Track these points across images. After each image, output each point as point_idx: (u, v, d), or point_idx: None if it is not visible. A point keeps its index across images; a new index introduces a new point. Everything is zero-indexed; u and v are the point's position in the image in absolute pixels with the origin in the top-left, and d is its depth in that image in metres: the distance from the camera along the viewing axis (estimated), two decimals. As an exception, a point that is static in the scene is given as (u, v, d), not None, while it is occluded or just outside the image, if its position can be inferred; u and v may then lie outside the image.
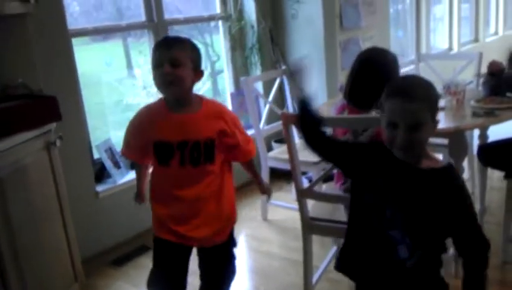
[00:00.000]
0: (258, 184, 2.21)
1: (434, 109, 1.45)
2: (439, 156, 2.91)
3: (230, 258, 2.09)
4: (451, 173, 1.47)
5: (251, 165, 2.14)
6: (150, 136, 1.87)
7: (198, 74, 1.87)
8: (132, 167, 3.03)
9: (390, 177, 1.48)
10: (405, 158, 1.45)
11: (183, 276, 2.02)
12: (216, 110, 1.91)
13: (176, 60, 1.77)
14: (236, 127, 1.96)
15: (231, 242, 2.08)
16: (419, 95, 1.40)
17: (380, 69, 2.19)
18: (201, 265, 2.08)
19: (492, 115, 2.52)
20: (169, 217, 1.93)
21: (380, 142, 1.49)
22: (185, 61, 1.79)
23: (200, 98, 1.92)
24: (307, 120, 1.69)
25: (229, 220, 2.03)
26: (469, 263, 1.47)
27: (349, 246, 1.61)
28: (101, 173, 3.18)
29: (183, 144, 1.84)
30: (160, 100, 1.91)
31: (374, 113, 2.16)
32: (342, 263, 1.62)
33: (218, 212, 1.96)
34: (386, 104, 1.44)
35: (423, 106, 1.39)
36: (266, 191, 2.24)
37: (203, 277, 2.09)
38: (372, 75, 2.18)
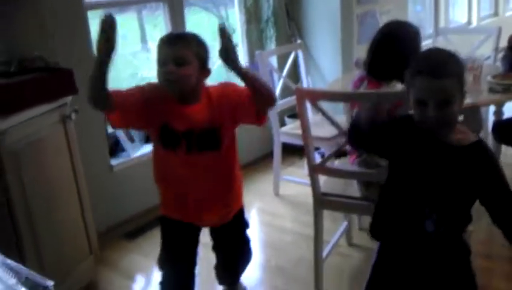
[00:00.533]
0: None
1: (462, 82, 1.42)
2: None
3: (244, 240, 2.12)
4: (481, 148, 1.45)
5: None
6: (156, 116, 1.83)
7: (204, 72, 1.83)
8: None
9: (420, 153, 1.48)
10: (436, 134, 1.44)
11: (193, 254, 2.03)
12: (218, 94, 1.88)
13: (180, 58, 1.74)
14: (238, 92, 1.88)
15: (242, 223, 2.10)
16: (447, 71, 1.37)
17: (402, 42, 2.16)
18: (214, 245, 2.12)
19: (509, 91, 2.49)
20: (176, 197, 1.96)
21: (409, 116, 1.47)
22: (190, 60, 1.75)
23: (206, 89, 1.89)
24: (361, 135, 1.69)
25: (235, 203, 2.05)
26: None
27: (380, 215, 1.63)
28: (115, 147, 3.21)
29: (189, 133, 1.84)
30: (162, 86, 1.85)
31: (396, 85, 2.15)
32: (373, 230, 1.65)
33: (224, 195, 1.99)
34: (414, 82, 1.42)
35: (452, 81, 1.37)
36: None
37: (217, 257, 2.15)
38: (394, 47, 2.16)
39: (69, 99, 2.35)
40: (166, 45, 1.78)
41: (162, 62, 1.76)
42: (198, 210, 1.96)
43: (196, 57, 1.77)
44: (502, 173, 1.44)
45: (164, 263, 2.03)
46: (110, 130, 3.18)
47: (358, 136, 1.71)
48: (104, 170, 3.06)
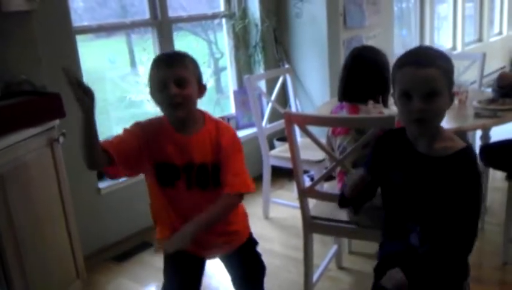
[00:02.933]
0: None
1: (450, 80, 1.36)
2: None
3: (254, 256, 1.99)
4: (466, 157, 1.37)
5: (222, 203, 1.74)
6: (151, 155, 1.72)
7: (201, 90, 1.75)
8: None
9: (403, 168, 1.45)
10: (420, 134, 1.38)
11: (196, 285, 1.88)
12: (217, 133, 1.76)
13: (181, 79, 1.65)
14: (233, 151, 1.77)
15: (251, 242, 1.99)
16: (431, 61, 1.32)
17: (373, 65, 2.23)
18: (228, 270, 2.00)
19: (495, 116, 2.53)
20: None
21: (392, 130, 1.46)
22: (190, 79, 1.67)
23: (203, 114, 1.79)
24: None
25: (239, 235, 1.93)
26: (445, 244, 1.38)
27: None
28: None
29: (189, 167, 1.72)
30: (161, 118, 1.76)
31: (370, 104, 2.20)
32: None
33: (228, 230, 1.87)
34: (397, 75, 1.37)
35: (437, 72, 1.31)
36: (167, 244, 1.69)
37: (233, 281, 2.01)
38: (366, 70, 2.23)
39: (56, 122, 2.34)
40: (163, 66, 1.67)
41: (162, 85, 1.65)
42: (197, 246, 1.79)
43: (194, 75, 1.70)
44: (477, 189, 1.38)
45: None
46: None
47: (347, 203, 1.71)
48: (91, 192, 3.03)
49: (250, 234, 1.99)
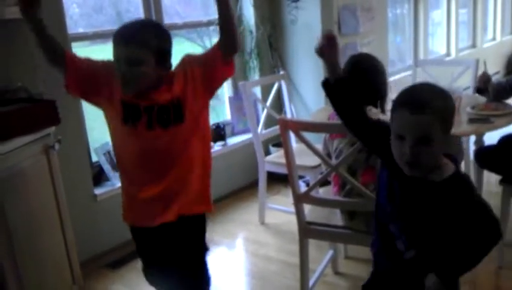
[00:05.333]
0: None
1: (447, 122, 1.34)
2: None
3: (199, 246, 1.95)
4: (459, 181, 1.38)
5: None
6: (116, 92, 1.75)
7: (164, 67, 1.73)
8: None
9: (399, 177, 1.43)
10: (413, 175, 1.37)
11: (170, 251, 1.89)
12: (179, 70, 1.80)
13: (133, 59, 1.64)
14: (197, 56, 1.83)
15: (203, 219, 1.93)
16: (427, 107, 1.29)
17: (372, 73, 2.26)
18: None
19: (488, 122, 2.55)
20: (128, 195, 1.88)
21: None
22: (144, 58, 1.65)
23: (172, 73, 1.80)
24: (341, 93, 1.64)
25: (201, 197, 1.88)
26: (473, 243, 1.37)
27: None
28: (99, 176, 3.19)
29: (150, 108, 1.74)
30: None
31: (369, 110, 2.20)
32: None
33: (188, 185, 1.83)
34: (394, 115, 1.36)
35: (433, 118, 1.29)
36: None
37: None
38: (366, 78, 2.25)
39: (52, 129, 2.35)
40: (119, 41, 1.67)
41: (115, 59, 1.69)
42: (149, 211, 1.83)
43: (152, 52, 1.67)
44: (482, 201, 1.39)
45: (147, 274, 1.99)
46: (94, 159, 3.17)
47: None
48: (87, 199, 3.03)
49: (203, 213, 1.91)
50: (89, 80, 1.79)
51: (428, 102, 1.30)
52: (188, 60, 1.84)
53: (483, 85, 2.86)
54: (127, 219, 1.96)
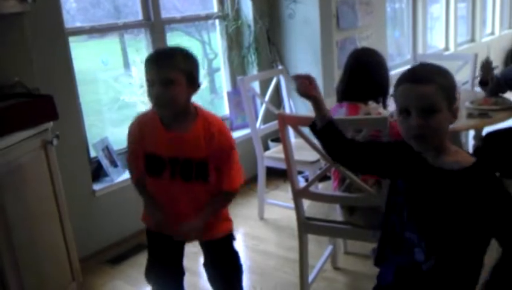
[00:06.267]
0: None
1: (450, 96, 1.35)
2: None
3: (231, 253, 2.07)
4: (478, 172, 1.34)
5: (218, 201, 1.92)
6: (142, 147, 1.88)
7: (194, 87, 1.80)
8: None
9: (410, 178, 1.43)
10: (421, 150, 1.38)
11: (179, 262, 2.04)
12: (209, 132, 1.83)
13: (167, 79, 1.71)
14: (223, 153, 1.86)
15: (230, 239, 2.05)
16: (427, 78, 1.32)
17: (375, 67, 2.27)
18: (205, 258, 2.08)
19: (486, 116, 2.55)
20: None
21: (403, 141, 1.42)
22: (177, 79, 1.72)
23: (196, 110, 1.86)
24: (330, 137, 1.65)
25: (220, 221, 2.00)
26: None
27: (381, 243, 1.58)
28: (97, 172, 3.18)
29: (174, 161, 1.83)
30: (155, 112, 1.86)
31: (371, 104, 2.22)
32: (377, 259, 1.60)
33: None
34: (397, 91, 1.38)
35: (433, 88, 1.31)
36: (186, 233, 1.89)
37: (207, 271, 2.09)
38: (368, 72, 2.27)
39: (50, 125, 2.33)
40: (152, 64, 1.75)
41: (149, 83, 1.76)
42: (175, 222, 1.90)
43: (184, 74, 1.74)
44: (508, 195, 1.32)
45: (150, 272, 2.02)
46: (92, 155, 3.16)
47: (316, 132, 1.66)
48: (86, 195, 3.02)
49: (231, 231, 2.04)
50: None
51: (429, 72, 1.35)
52: (219, 144, 1.86)
53: (486, 76, 2.86)
54: (147, 222, 2.03)
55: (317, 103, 1.63)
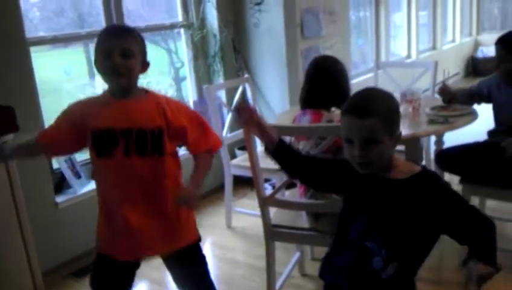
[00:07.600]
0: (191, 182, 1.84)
1: (390, 123, 1.42)
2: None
3: (200, 259, 2.00)
4: (427, 177, 1.44)
5: (203, 161, 1.88)
6: (86, 126, 1.77)
7: (145, 66, 1.81)
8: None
9: (365, 190, 1.48)
10: (367, 173, 1.44)
11: None
12: (160, 101, 1.80)
13: (128, 50, 1.71)
14: (180, 113, 1.82)
15: (198, 245, 1.97)
16: (369, 111, 1.37)
17: (335, 74, 2.32)
18: (172, 273, 1.98)
19: (446, 123, 2.61)
20: (109, 220, 1.86)
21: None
22: (136, 52, 1.73)
23: (145, 90, 1.84)
24: (284, 158, 1.69)
25: (186, 224, 1.90)
26: (478, 239, 1.37)
27: (331, 254, 1.59)
28: (60, 184, 3.12)
29: (128, 132, 1.74)
30: (101, 94, 1.84)
31: (333, 111, 2.27)
32: (322, 270, 1.60)
33: (172, 215, 1.83)
34: (342, 120, 1.44)
35: (375, 121, 1.37)
36: (187, 198, 1.80)
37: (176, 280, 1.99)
38: (329, 79, 2.31)
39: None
40: (112, 36, 1.75)
41: (107, 54, 1.70)
42: (141, 236, 1.80)
43: (140, 50, 1.76)
44: (456, 193, 1.43)
45: None
46: (55, 166, 3.10)
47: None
48: (49, 207, 2.96)
49: (198, 237, 1.97)
50: (68, 143, 1.86)
51: (369, 105, 1.39)
52: (181, 109, 1.86)
53: (446, 100, 2.91)
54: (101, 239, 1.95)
55: (261, 129, 1.68)
